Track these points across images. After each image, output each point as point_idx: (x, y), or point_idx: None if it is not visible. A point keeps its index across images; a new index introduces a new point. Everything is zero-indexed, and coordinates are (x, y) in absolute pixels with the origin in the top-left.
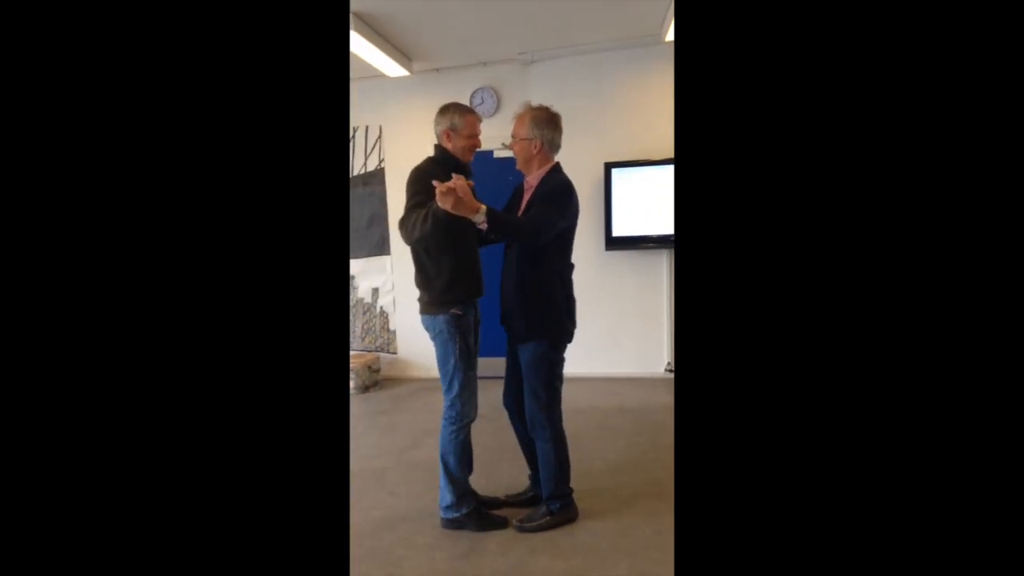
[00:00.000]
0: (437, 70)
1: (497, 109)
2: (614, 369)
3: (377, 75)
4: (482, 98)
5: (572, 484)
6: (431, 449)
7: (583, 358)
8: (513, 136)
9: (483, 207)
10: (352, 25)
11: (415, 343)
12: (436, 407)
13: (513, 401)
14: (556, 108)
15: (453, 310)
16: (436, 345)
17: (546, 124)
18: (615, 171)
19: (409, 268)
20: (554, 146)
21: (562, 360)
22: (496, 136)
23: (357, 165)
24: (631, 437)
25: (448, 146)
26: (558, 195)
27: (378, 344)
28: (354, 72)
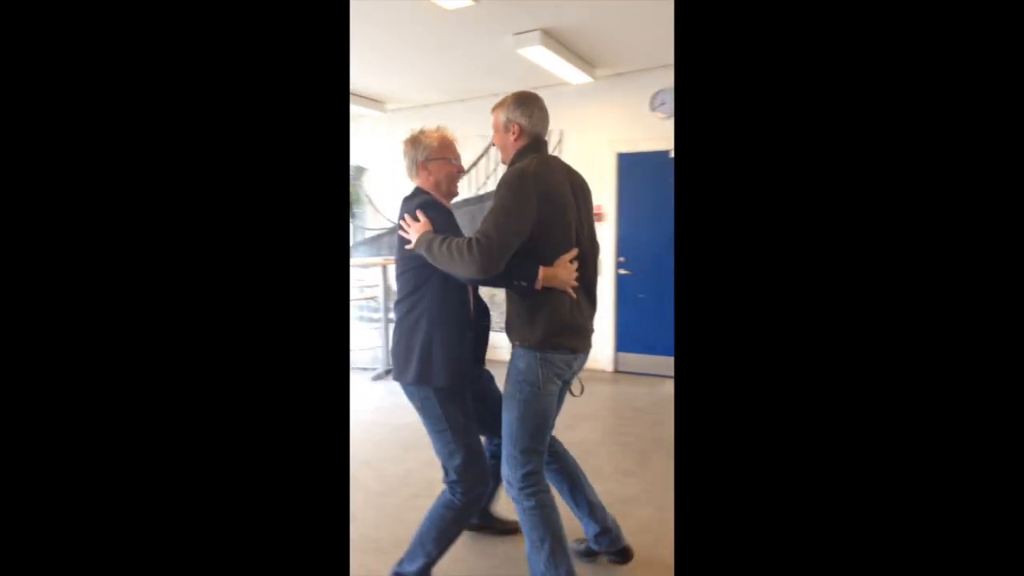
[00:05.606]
0: (619, 75)
1: None
2: None
3: (560, 83)
4: (663, 99)
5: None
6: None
7: None
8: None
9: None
10: (539, 40)
11: None
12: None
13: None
14: None
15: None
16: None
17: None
18: None
19: None
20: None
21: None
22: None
23: None
24: None
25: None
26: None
27: None
28: (537, 82)
